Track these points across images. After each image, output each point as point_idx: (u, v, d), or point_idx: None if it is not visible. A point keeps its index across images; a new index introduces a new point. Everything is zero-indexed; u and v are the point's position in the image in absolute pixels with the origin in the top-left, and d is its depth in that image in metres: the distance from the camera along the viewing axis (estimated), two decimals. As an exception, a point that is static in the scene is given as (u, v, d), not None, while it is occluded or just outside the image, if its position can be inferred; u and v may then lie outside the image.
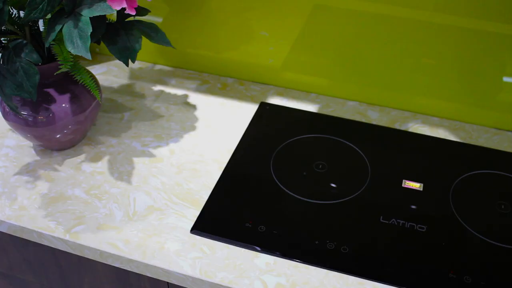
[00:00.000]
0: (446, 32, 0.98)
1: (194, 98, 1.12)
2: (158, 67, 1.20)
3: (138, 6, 0.87)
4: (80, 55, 0.78)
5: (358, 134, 1.03)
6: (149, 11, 0.93)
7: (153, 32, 0.91)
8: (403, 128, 1.06)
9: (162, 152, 0.99)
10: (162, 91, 1.13)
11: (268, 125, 1.05)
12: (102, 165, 0.96)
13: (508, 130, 1.06)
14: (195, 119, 1.06)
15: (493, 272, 0.80)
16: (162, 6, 1.12)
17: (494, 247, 0.84)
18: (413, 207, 0.89)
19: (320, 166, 0.96)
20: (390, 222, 0.86)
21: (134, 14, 0.82)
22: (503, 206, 0.90)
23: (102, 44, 0.89)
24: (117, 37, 0.88)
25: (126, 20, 0.91)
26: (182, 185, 0.92)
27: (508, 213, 0.89)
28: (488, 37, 0.97)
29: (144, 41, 0.91)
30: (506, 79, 1.01)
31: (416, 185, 0.93)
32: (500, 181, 0.95)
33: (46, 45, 0.81)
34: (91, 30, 0.78)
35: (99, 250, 0.82)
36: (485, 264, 0.81)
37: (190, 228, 0.85)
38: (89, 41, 0.78)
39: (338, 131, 1.03)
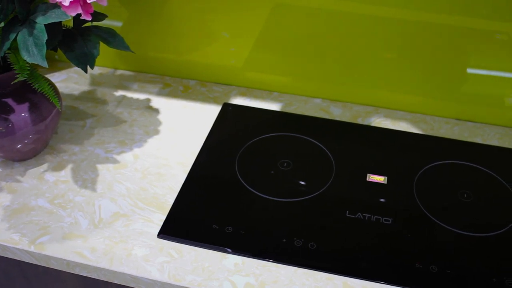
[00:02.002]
0: (406, 27, 0.99)
1: (157, 102, 1.11)
2: (119, 72, 1.19)
3: (95, 11, 0.86)
4: (36, 63, 0.77)
5: (322, 131, 1.04)
6: (106, 16, 0.92)
7: (111, 37, 0.90)
8: (365, 122, 1.07)
9: (126, 157, 0.98)
10: (124, 96, 1.12)
11: (231, 125, 1.05)
12: (66, 174, 0.94)
13: (467, 120, 1.08)
14: (158, 123, 1.05)
15: (458, 260, 0.81)
16: (121, 10, 1.11)
17: (458, 236, 0.85)
18: (378, 200, 0.90)
19: (285, 164, 0.96)
20: (356, 216, 0.87)
21: (90, 19, 0.81)
22: (465, 195, 0.92)
23: (60, 51, 0.88)
24: (75, 43, 0.87)
25: (83, 26, 0.90)
26: (148, 190, 0.92)
27: (471, 202, 0.91)
28: (446, 30, 0.98)
29: (104, 46, 0.90)
30: (464, 71, 1.03)
31: (380, 179, 0.94)
32: (462, 170, 0.97)
33: (1, 54, 0.79)
34: (47, 38, 0.77)
35: (65, 260, 0.81)
36: (450, 253, 0.83)
37: (157, 233, 0.84)
38: (45, 49, 0.77)
39: (301, 128, 1.04)
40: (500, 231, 0.86)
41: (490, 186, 0.94)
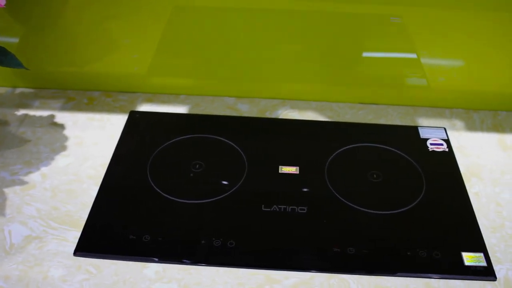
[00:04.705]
0: (303, 17, 1.01)
1: (61, 117, 1.08)
2: (18, 90, 1.15)
3: (-19, 31, 0.83)
4: None
5: (231, 129, 1.04)
6: (-5, 35, 0.89)
7: (2, 56, 0.87)
8: (273, 116, 1.08)
9: (33, 178, 0.95)
10: (26, 115, 1.08)
11: (140, 133, 1.04)
12: (-30, 202, 0.90)
13: (371, 103, 1.12)
14: (65, 138, 1.03)
15: (373, 239, 0.84)
16: (13, 26, 1.07)
17: (371, 215, 0.88)
18: (292, 191, 0.92)
19: (197, 166, 0.96)
20: (271, 209, 0.88)
21: (-25, 40, 0.78)
22: (375, 176, 0.95)
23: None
24: (-37, 66, 0.84)
25: (-30, 47, 0.86)
26: (59, 209, 0.89)
27: (380, 182, 0.94)
28: (342, 17, 1.01)
29: (-2, 65, 0.87)
30: (363, 55, 1.06)
31: (292, 169, 0.95)
32: (369, 152, 1.00)
33: None
34: None
35: (-22, 293, 0.78)
36: (365, 233, 0.85)
37: (73, 251, 0.82)
38: None
39: (211, 128, 1.04)
40: (410, 206, 0.90)
41: (397, 164, 0.98)
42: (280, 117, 1.08)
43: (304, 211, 0.88)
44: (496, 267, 0.81)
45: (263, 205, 0.89)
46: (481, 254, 0.82)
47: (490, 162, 1.00)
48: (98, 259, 0.81)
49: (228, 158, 0.98)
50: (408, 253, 0.82)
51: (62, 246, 0.83)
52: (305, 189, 0.92)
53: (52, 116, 1.08)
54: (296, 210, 0.88)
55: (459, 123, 1.08)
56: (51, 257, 0.82)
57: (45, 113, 1.09)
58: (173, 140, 1.02)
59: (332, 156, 0.98)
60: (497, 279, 0.79)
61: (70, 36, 1.08)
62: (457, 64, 1.07)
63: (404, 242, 0.84)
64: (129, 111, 1.09)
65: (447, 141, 1.03)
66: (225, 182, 0.93)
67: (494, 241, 0.85)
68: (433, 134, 1.04)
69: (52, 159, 0.98)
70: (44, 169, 0.96)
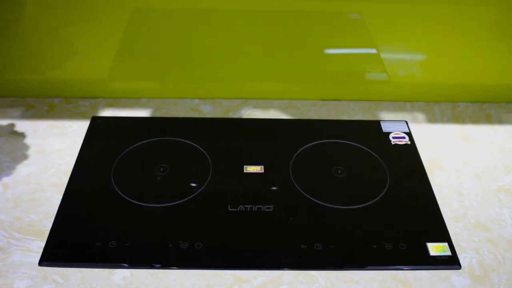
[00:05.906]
0: (264, 17, 1.01)
1: (21, 125, 1.06)
2: (-24, 100, 1.13)
3: None
4: None
5: (194, 130, 1.04)
6: None
7: (-44, 66, 0.85)
8: (236, 115, 1.08)
9: (-6, 188, 0.93)
10: (-16, 125, 1.07)
11: (103, 139, 1.03)
12: None
13: (333, 100, 1.12)
14: (26, 147, 1.01)
15: (340, 234, 0.85)
16: (-32, 35, 1.05)
17: (337, 211, 0.89)
18: (257, 190, 0.92)
19: (162, 169, 0.95)
20: (238, 209, 0.88)
21: None
22: (339, 171, 0.96)
23: None
24: None
25: None
26: (23, 219, 0.88)
27: (344, 177, 0.95)
28: (302, 15, 1.01)
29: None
30: (324, 52, 1.07)
31: (257, 168, 0.95)
32: (333, 148, 1.01)
33: None
34: None
35: None
36: (332, 228, 0.86)
37: (37, 261, 0.81)
38: None
39: (174, 131, 1.04)
40: (375, 200, 0.91)
41: (360, 159, 0.99)
42: (244, 116, 1.08)
43: (271, 210, 0.88)
44: (460, 256, 0.82)
45: (229, 206, 0.89)
46: (446, 244, 0.83)
47: (451, 153, 1.01)
48: (64, 268, 0.80)
49: (192, 160, 0.98)
50: (375, 246, 0.83)
51: (27, 257, 0.82)
52: (270, 188, 0.92)
53: (12, 125, 1.06)
54: (263, 209, 0.88)
55: (420, 116, 1.10)
56: (16, 268, 0.80)
57: (4, 122, 1.07)
58: (137, 144, 1.01)
59: (296, 154, 0.99)
60: (462, 268, 0.81)
61: (27, 42, 1.06)
62: (416, 58, 1.08)
63: (370, 235, 0.84)
64: (90, 117, 1.08)
65: (409, 134, 1.04)
66: (190, 184, 0.93)
67: (458, 230, 0.87)
68: (395, 127, 1.05)
69: (14, 168, 0.97)
70: (5, 179, 0.94)
